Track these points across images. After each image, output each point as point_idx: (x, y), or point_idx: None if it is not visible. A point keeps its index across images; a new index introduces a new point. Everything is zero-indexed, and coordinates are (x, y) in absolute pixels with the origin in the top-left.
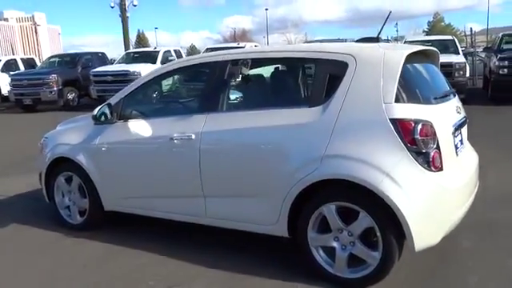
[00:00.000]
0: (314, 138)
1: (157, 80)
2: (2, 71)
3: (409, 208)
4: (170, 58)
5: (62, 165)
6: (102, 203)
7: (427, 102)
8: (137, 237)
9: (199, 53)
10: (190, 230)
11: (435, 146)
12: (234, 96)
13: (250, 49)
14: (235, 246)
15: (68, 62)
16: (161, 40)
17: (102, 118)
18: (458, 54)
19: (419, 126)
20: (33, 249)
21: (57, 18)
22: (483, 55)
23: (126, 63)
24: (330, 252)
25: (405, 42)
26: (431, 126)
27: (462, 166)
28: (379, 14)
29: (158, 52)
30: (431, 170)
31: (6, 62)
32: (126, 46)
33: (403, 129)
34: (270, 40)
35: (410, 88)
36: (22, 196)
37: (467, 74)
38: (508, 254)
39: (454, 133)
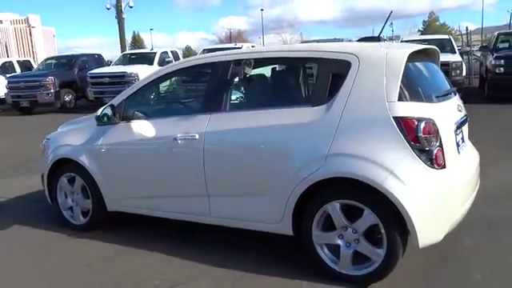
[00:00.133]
0: (317, 136)
1: (159, 81)
2: None
3: (413, 205)
4: (166, 60)
5: (64, 166)
6: (105, 204)
7: (429, 100)
8: (140, 237)
9: (195, 54)
10: (193, 229)
11: (438, 144)
12: (238, 96)
13: (252, 49)
14: (239, 245)
15: (64, 63)
16: (156, 41)
17: (105, 119)
18: (455, 53)
19: (422, 124)
20: (36, 250)
21: (51, 20)
22: (479, 54)
23: (123, 65)
24: (335, 249)
25: (401, 41)
26: (434, 124)
27: (463, 163)
28: (374, 13)
29: (155, 53)
30: (434, 168)
31: (2, 64)
32: (123, 48)
33: (406, 127)
34: (265, 40)
35: (413, 86)
36: (22, 197)
37: (464, 73)
38: (509, 252)
39: (455, 131)
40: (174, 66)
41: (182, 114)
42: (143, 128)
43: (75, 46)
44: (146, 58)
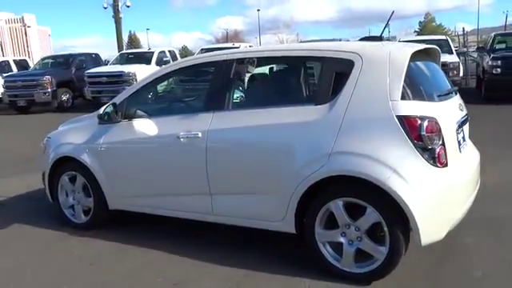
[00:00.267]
0: (321, 135)
1: (162, 79)
2: None
3: (416, 203)
4: (164, 59)
5: (65, 164)
6: (106, 202)
7: (431, 99)
8: (142, 235)
9: (192, 54)
10: (195, 227)
11: (440, 143)
12: (241, 94)
13: (255, 48)
14: (241, 243)
15: (62, 63)
16: (152, 41)
17: (107, 118)
18: (452, 53)
19: (425, 123)
20: (37, 248)
21: (47, 20)
22: (475, 55)
23: (121, 64)
24: (337, 247)
25: (398, 41)
26: (436, 123)
27: (464, 162)
28: (370, 14)
29: (153, 53)
30: (437, 166)
31: None
32: (120, 47)
33: (409, 125)
34: (262, 41)
35: (415, 86)
36: (22, 196)
37: (461, 74)
38: (509, 250)
39: (457, 130)
40: (176, 64)
41: (185, 112)
42: (145, 126)
43: (71, 46)
44: (144, 58)
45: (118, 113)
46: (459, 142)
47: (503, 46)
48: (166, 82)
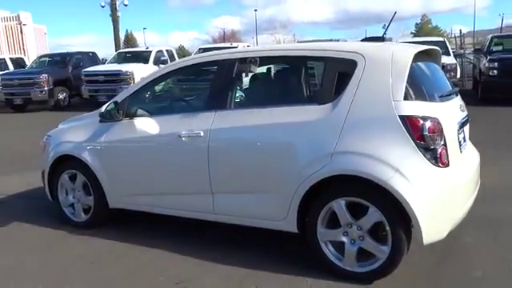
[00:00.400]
0: (323, 134)
1: (163, 78)
2: None
3: (418, 203)
4: (162, 58)
5: (65, 163)
6: (107, 200)
7: (433, 99)
8: (142, 234)
9: (188, 53)
10: (196, 226)
11: (442, 143)
12: (243, 93)
13: (258, 47)
14: (242, 242)
15: (58, 61)
16: (149, 40)
17: (109, 116)
18: (449, 55)
19: (428, 123)
20: (37, 247)
21: (43, 18)
22: (471, 57)
23: (118, 63)
24: (339, 247)
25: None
26: (438, 123)
27: (465, 162)
28: (367, 15)
29: (150, 52)
30: (439, 166)
31: None
32: (117, 46)
33: (412, 125)
34: (258, 41)
35: (418, 86)
36: (21, 195)
37: (458, 75)
38: (509, 250)
39: (458, 130)
40: (178, 63)
41: (187, 111)
42: (147, 125)
43: (67, 44)
44: (141, 57)
45: (120, 111)
46: (460, 142)
47: (500, 48)
48: (167, 81)
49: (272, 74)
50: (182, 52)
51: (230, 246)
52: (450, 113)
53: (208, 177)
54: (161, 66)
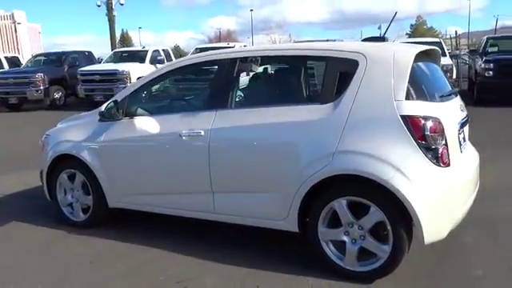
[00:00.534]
0: (325, 134)
1: (164, 77)
2: None
3: (420, 202)
4: (158, 58)
5: (64, 162)
6: (106, 200)
7: (434, 99)
8: (141, 234)
9: (184, 53)
10: (195, 226)
11: (444, 143)
12: (244, 93)
13: (259, 46)
14: (243, 242)
15: (54, 60)
16: (144, 40)
17: (108, 115)
18: (445, 55)
19: (429, 123)
20: (36, 247)
21: (37, 17)
22: (466, 58)
23: (114, 62)
24: (340, 246)
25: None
26: (440, 123)
27: (465, 162)
28: (362, 16)
29: (147, 51)
30: (440, 166)
31: None
32: (113, 45)
33: (413, 125)
34: (254, 41)
35: (419, 86)
36: (19, 194)
37: (454, 76)
38: (508, 249)
39: (458, 130)
40: (178, 62)
41: (187, 110)
42: (147, 124)
43: (62, 44)
44: (138, 56)
45: (120, 110)
46: (460, 142)
47: (495, 49)
48: (167, 80)
49: (273, 73)
50: (178, 52)
51: (231, 245)
52: (450, 113)
53: (208, 176)
54: (157, 65)
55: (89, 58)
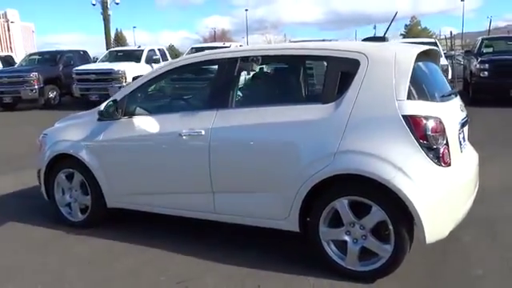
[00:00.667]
0: (326, 134)
1: (163, 76)
2: None
3: (421, 202)
4: (154, 57)
5: (62, 162)
6: (105, 200)
7: (435, 99)
8: (140, 234)
9: (179, 52)
10: (195, 225)
11: (445, 142)
12: (244, 92)
13: (259, 46)
14: (243, 241)
15: (49, 59)
16: (139, 39)
17: (107, 114)
18: (441, 56)
19: (430, 123)
20: (35, 247)
21: (30, 16)
22: (461, 58)
23: (110, 62)
24: (341, 246)
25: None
26: (441, 123)
27: (465, 162)
28: (357, 16)
29: (142, 51)
30: (441, 166)
31: None
32: (108, 45)
33: (415, 125)
34: (249, 41)
35: (420, 86)
36: (15, 194)
37: (450, 76)
38: (508, 248)
39: (459, 130)
40: (178, 62)
41: (187, 110)
42: (147, 124)
43: (55, 43)
44: (133, 56)
45: (119, 110)
46: (460, 142)
47: (490, 49)
48: (167, 80)
49: (274, 72)
50: (173, 51)
51: (231, 245)
52: (451, 113)
53: (209, 176)
54: (153, 65)
55: (84, 57)
